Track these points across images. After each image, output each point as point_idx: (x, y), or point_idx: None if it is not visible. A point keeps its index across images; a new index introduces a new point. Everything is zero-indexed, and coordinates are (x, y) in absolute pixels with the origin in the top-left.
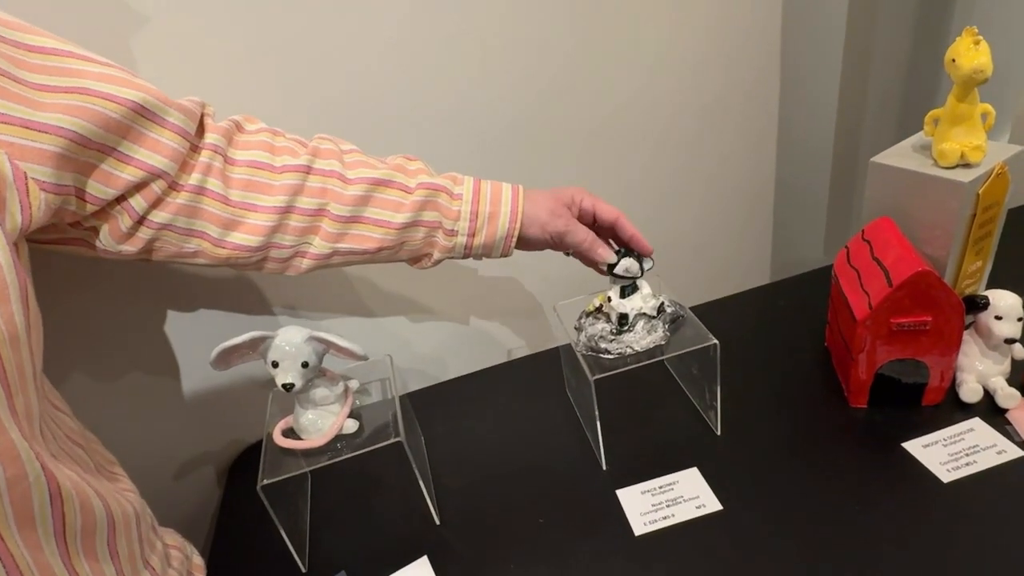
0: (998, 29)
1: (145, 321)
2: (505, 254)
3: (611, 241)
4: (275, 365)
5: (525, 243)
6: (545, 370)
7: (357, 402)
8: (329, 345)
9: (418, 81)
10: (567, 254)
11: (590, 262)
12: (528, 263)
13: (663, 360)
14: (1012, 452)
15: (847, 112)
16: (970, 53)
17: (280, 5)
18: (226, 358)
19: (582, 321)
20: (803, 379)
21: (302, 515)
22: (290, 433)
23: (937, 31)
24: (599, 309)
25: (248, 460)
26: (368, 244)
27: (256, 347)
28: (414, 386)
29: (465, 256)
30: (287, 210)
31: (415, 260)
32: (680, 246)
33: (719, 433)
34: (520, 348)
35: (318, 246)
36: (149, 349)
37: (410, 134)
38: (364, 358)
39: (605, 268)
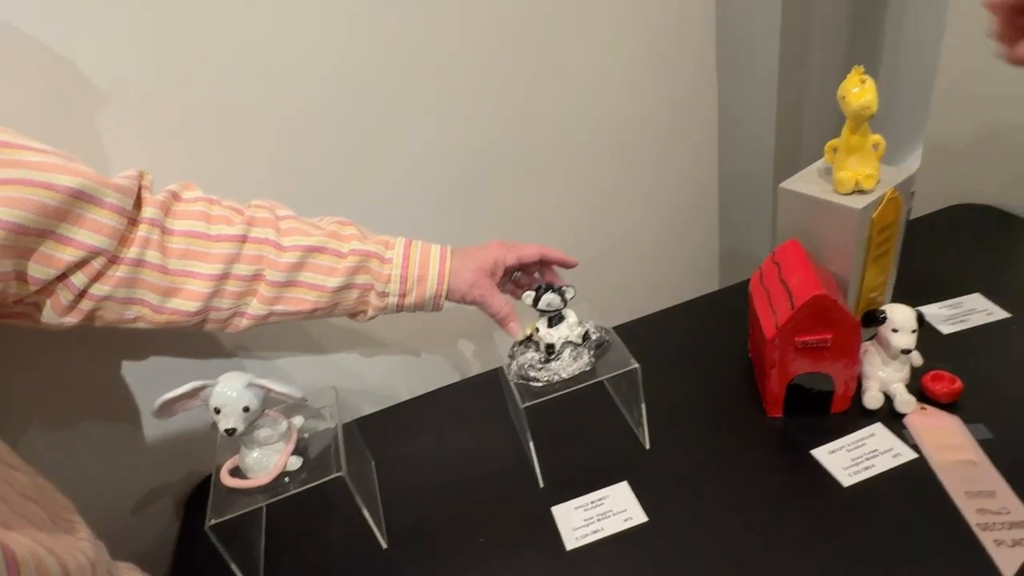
0: (914, 45)
1: (99, 359)
2: (436, 310)
3: (537, 275)
4: (217, 411)
5: (452, 299)
6: (493, 390)
7: (306, 435)
8: (268, 390)
9: (355, 105)
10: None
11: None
12: None
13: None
14: (906, 455)
15: (786, 115)
16: (857, 92)
17: (231, 59)
18: (168, 408)
19: (514, 350)
20: (728, 390)
21: (256, 548)
22: (237, 471)
23: (873, 36)
24: (529, 338)
25: (206, 491)
26: (303, 306)
27: (197, 395)
28: (368, 409)
29: (398, 312)
30: (224, 276)
31: (351, 315)
32: (627, 255)
33: (648, 447)
34: (472, 368)
35: (255, 308)
36: (104, 386)
37: (348, 154)
38: (303, 400)
39: (531, 302)
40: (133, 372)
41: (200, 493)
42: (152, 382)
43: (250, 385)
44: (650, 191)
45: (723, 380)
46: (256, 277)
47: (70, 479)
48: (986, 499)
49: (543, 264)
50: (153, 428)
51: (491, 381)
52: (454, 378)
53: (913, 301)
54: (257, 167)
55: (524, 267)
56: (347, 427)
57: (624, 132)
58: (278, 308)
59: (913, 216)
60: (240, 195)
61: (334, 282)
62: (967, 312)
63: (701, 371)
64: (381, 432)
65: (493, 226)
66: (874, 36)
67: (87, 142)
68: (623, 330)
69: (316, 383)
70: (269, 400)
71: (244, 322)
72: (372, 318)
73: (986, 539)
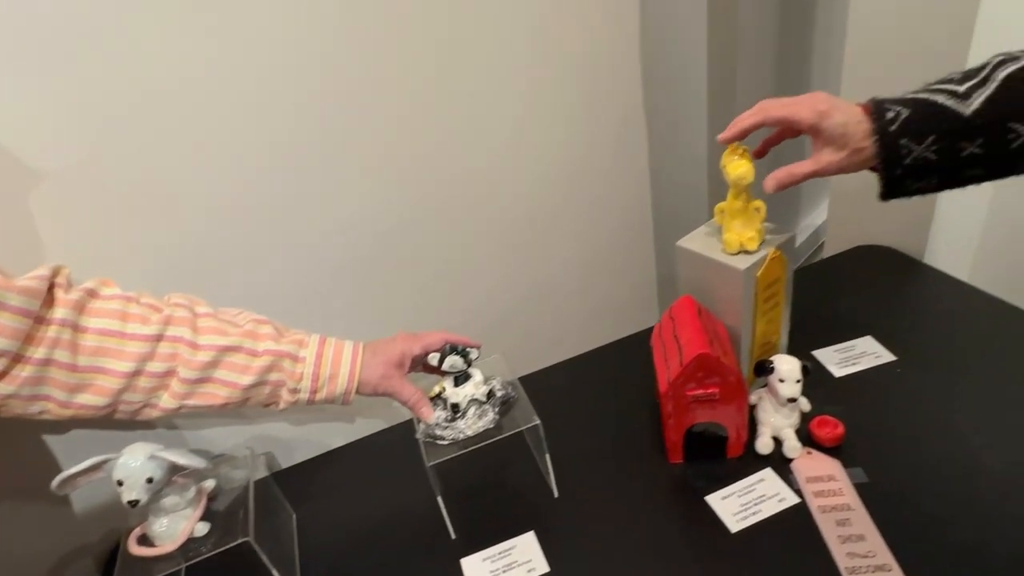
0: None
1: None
2: (345, 404)
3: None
4: (120, 483)
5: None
6: (411, 441)
7: (217, 497)
8: (171, 462)
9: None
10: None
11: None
12: None
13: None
14: (790, 499)
15: (718, 158)
16: (734, 164)
17: (131, 144)
18: (70, 483)
19: None
20: (635, 436)
21: None
22: (145, 538)
23: (799, 69)
24: (438, 396)
25: None
26: (215, 400)
27: (101, 468)
28: (300, 457)
29: (309, 405)
30: (136, 374)
31: (264, 406)
32: (564, 293)
33: (556, 496)
34: (402, 414)
35: (166, 401)
36: (16, 448)
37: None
38: (209, 468)
39: (435, 363)
40: (51, 438)
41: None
42: (70, 445)
43: (152, 457)
44: (581, 236)
45: (632, 426)
46: (169, 373)
47: None
48: (856, 543)
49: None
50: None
51: (408, 432)
52: (381, 426)
53: (809, 345)
54: (162, 250)
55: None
56: (264, 483)
57: (552, 182)
58: (189, 402)
59: (823, 256)
60: (135, 275)
61: (247, 380)
62: (858, 355)
63: (612, 417)
64: (307, 482)
65: (421, 284)
66: (797, 88)
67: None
68: (540, 377)
69: (243, 432)
70: (177, 468)
71: (154, 413)
72: (284, 409)
73: None
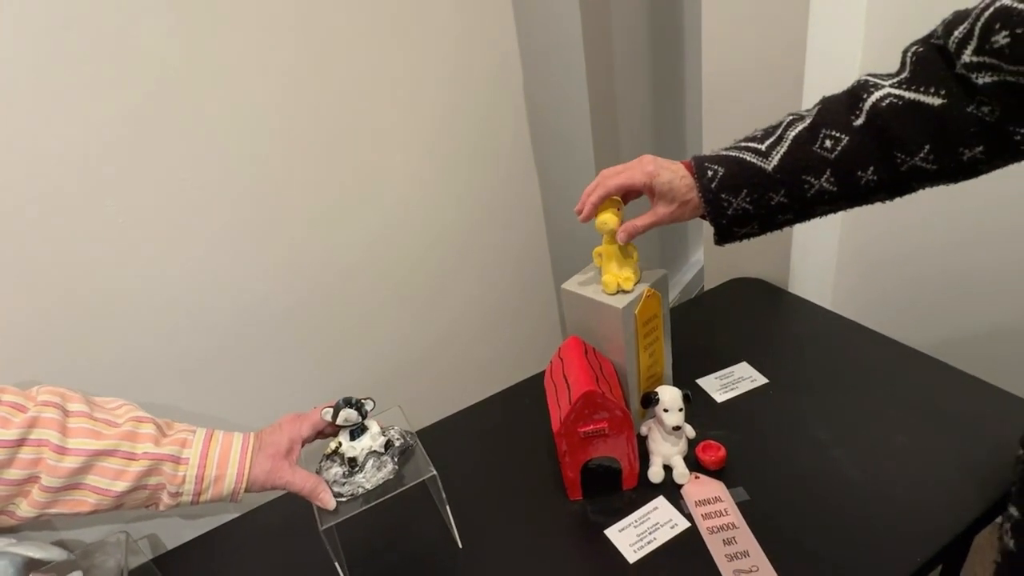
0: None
1: None
2: (234, 501)
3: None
4: None
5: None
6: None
7: None
8: (26, 557)
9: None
10: None
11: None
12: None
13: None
14: (682, 524)
15: None
16: (599, 216)
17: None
18: None
19: (321, 465)
20: (535, 477)
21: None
22: None
23: (673, 124)
24: (336, 451)
25: None
26: (82, 508)
27: None
28: (190, 535)
29: (193, 506)
30: None
31: (144, 507)
32: (466, 342)
33: (460, 546)
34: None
35: (24, 510)
36: None
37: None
38: (68, 562)
39: (329, 418)
40: None
41: None
42: None
43: (2, 553)
44: (483, 285)
45: (533, 468)
46: (30, 480)
47: None
48: (741, 560)
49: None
50: None
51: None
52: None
53: (694, 373)
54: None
55: (321, 430)
56: (143, 571)
57: (450, 237)
58: (51, 511)
59: (704, 290)
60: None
61: (120, 486)
62: (736, 380)
63: (513, 461)
64: (194, 564)
65: (324, 348)
66: (672, 140)
67: None
68: (441, 426)
69: (125, 513)
70: (34, 563)
71: (10, 521)
72: (163, 512)
73: None
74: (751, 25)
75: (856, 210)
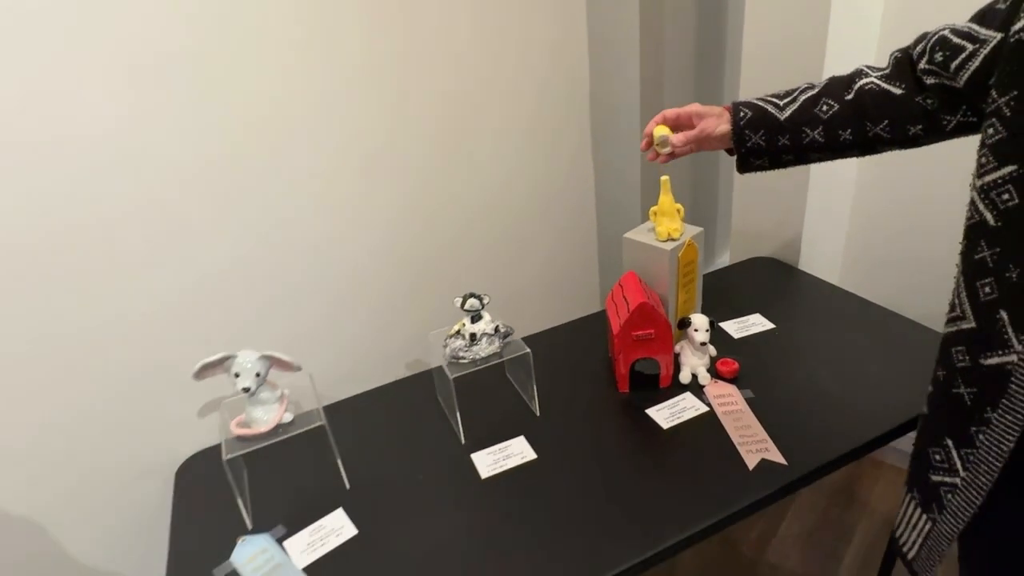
0: None
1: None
2: None
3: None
4: (237, 375)
5: None
6: (429, 382)
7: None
8: (273, 360)
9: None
10: None
11: None
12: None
13: (502, 366)
14: (703, 409)
15: (647, 182)
16: (658, 129)
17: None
18: (203, 372)
19: (447, 340)
20: (593, 376)
21: (244, 486)
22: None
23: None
24: (458, 332)
25: (187, 466)
26: None
27: (222, 365)
28: (347, 394)
29: None
30: None
31: None
32: (533, 295)
33: (538, 414)
34: (420, 361)
35: None
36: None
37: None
38: (299, 368)
39: (459, 305)
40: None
41: (183, 469)
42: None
43: (261, 357)
44: (546, 239)
45: (592, 370)
46: None
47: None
48: (745, 430)
49: None
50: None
51: (426, 379)
52: (403, 373)
53: (717, 318)
54: None
55: None
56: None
57: (520, 210)
58: None
59: (729, 264)
60: None
61: None
62: (750, 325)
63: (577, 366)
64: (348, 412)
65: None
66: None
67: None
68: (533, 338)
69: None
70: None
71: None
72: None
73: (742, 450)
74: (781, 31)
75: (864, 207)
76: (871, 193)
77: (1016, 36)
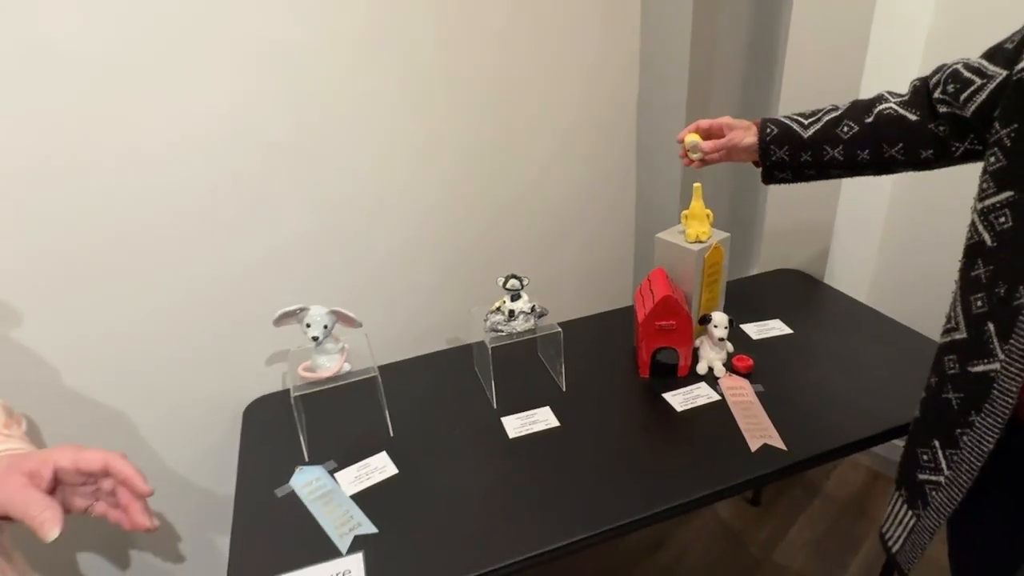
0: None
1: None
2: None
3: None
4: (308, 325)
5: None
6: (464, 357)
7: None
8: (339, 315)
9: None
10: None
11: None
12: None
13: (533, 344)
14: (715, 397)
15: (687, 186)
16: (689, 136)
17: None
18: (281, 320)
19: (488, 315)
20: (617, 362)
21: (303, 424)
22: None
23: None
24: (498, 309)
25: (254, 407)
26: None
27: (295, 316)
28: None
29: None
30: None
31: None
32: (568, 284)
33: (564, 389)
34: (459, 338)
35: None
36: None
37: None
38: (360, 324)
39: (501, 284)
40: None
41: (251, 408)
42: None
43: (329, 312)
44: (584, 233)
45: (616, 355)
46: None
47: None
48: (752, 419)
49: (108, 474)
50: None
51: (465, 351)
52: (443, 346)
53: (738, 320)
54: None
55: (86, 472)
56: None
57: (567, 208)
58: None
59: (755, 273)
60: None
61: None
62: (769, 328)
63: (603, 351)
64: (394, 373)
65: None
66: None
67: None
68: (561, 324)
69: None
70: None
71: None
72: None
73: (747, 435)
74: (824, 40)
75: (896, 225)
76: (904, 211)
77: (1018, 75)
